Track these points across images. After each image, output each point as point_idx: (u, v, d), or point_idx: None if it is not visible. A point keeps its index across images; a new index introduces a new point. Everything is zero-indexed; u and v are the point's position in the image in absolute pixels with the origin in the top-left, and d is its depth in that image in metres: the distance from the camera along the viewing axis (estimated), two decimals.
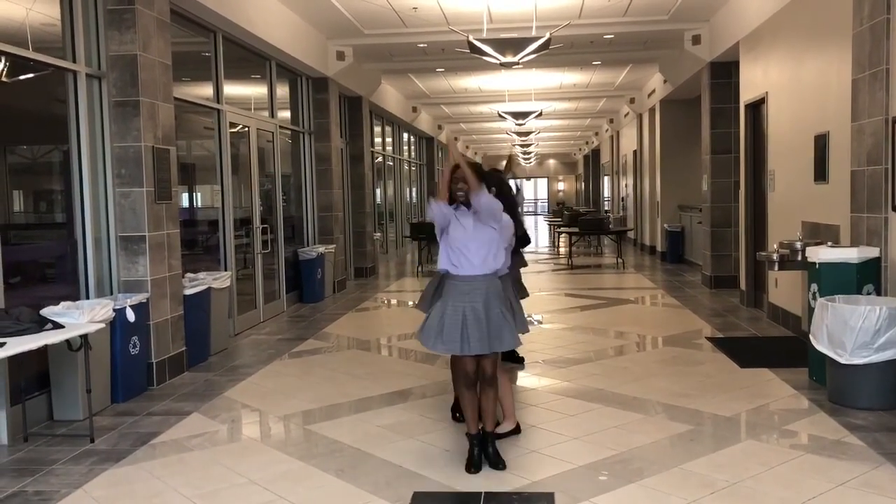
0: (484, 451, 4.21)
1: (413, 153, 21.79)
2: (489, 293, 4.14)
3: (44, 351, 5.01)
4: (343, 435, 4.80)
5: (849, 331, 4.96)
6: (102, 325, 5.12)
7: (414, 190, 22.17)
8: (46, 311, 4.96)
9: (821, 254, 5.70)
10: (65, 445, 4.72)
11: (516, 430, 4.71)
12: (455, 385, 4.39)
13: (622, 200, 21.32)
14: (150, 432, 4.96)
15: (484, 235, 4.16)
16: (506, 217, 4.27)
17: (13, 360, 4.64)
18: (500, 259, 4.22)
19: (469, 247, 4.14)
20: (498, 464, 4.16)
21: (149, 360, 6.07)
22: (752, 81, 9.14)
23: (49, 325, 4.70)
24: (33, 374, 5.19)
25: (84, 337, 4.80)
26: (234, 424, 5.27)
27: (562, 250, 18.29)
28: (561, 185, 45.27)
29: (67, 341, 4.79)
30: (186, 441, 4.80)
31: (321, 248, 10.92)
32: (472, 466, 4.14)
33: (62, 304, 5.16)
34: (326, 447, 4.65)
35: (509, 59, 8.86)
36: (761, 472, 4.04)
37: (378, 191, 16.85)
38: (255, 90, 10.05)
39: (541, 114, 17.10)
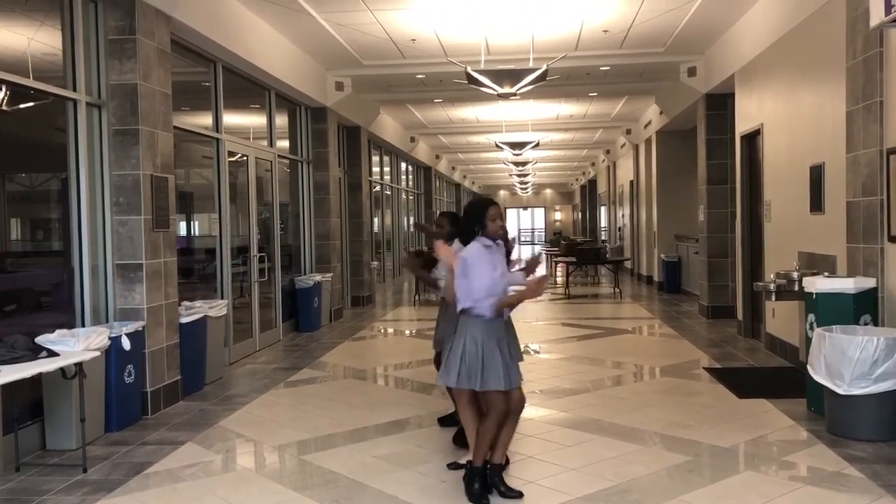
0: (492, 483, 4.18)
1: (411, 182, 21.88)
2: (506, 330, 4.28)
3: (38, 379, 4.98)
4: (338, 465, 4.76)
5: (847, 361, 4.95)
6: (97, 354, 5.10)
7: (412, 219, 22.22)
8: (41, 339, 4.94)
9: (818, 284, 5.71)
10: (57, 475, 4.67)
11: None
12: (492, 419, 4.16)
13: (619, 230, 21.37)
14: (143, 462, 4.91)
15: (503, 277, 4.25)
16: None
17: (7, 388, 4.61)
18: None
19: (497, 286, 4.19)
20: (511, 493, 4.17)
21: (143, 389, 6.03)
22: (748, 113, 9.22)
23: (44, 353, 4.68)
24: (27, 403, 5.14)
25: (79, 365, 4.77)
26: (229, 454, 5.22)
27: (559, 280, 18.28)
28: (558, 215, 45.41)
29: (62, 369, 4.75)
30: (180, 471, 4.75)
31: (318, 277, 10.91)
32: (479, 499, 4.09)
33: (57, 331, 5.14)
34: (322, 478, 4.60)
35: (507, 89, 8.93)
36: (760, 503, 4.02)
37: (376, 220, 16.89)
38: (254, 119, 10.11)
39: (538, 144, 17.20)
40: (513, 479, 4.44)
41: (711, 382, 6.92)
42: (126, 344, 5.70)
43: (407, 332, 11.20)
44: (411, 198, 22.10)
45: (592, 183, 30.62)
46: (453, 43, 9.79)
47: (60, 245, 6.18)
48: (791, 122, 7.74)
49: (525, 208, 46.00)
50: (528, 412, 5.98)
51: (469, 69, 8.85)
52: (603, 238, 25.84)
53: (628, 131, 17.73)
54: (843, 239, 6.20)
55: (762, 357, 8.09)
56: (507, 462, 4.56)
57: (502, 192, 42.36)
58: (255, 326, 9.25)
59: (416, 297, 14.71)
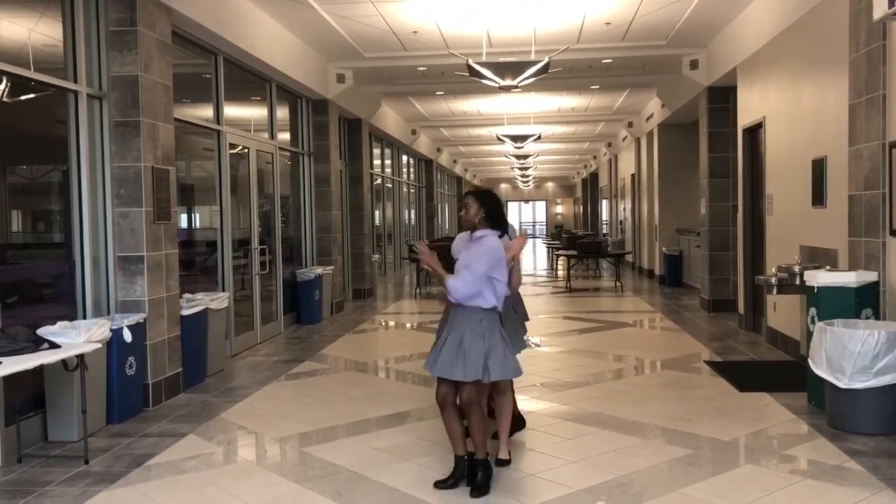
0: (471, 476, 4.18)
1: (412, 175, 21.86)
2: (467, 324, 4.13)
3: (39, 371, 4.99)
4: (340, 457, 4.77)
5: (848, 355, 4.95)
6: (99, 346, 5.10)
7: (413, 212, 22.21)
8: (43, 331, 4.94)
9: (819, 278, 5.70)
10: (59, 467, 4.68)
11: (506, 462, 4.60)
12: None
13: (620, 224, 21.36)
14: (145, 454, 4.92)
15: (468, 272, 4.12)
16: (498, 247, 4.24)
17: (8, 379, 4.62)
18: (485, 296, 4.14)
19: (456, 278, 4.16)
20: (475, 490, 4.11)
21: (145, 381, 6.04)
22: (750, 106, 9.19)
23: (45, 345, 4.68)
24: (29, 395, 5.15)
25: (80, 357, 4.77)
26: (230, 446, 5.23)
27: (560, 273, 18.29)
28: (559, 209, 45.38)
29: (63, 361, 4.76)
30: (182, 463, 4.76)
31: (319, 270, 10.91)
32: (441, 482, 4.21)
33: (59, 323, 5.14)
34: (323, 470, 4.61)
35: (508, 82, 8.91)
36: (761, 497, 4.01)
37: (377, 212, 16.88)
38: (255, 112, 10.10)
39: (539, 137, 17.19)
40: (514, 471, 4.45)
41: (712, 376, 6.92)
42: (127, 336, 5.70)
43: (408, 324, 11.20)
44: (412, 191, 22.08)
45: (594, 176, 30.58)
46: (455, 35, 9.76)
47: (62, 237, 6.18)
48: (793, 115, 7.72)
49: (527, 201, 45.97)
50: (530, 405, 6.00)
51: (470, 61, 8.83)
52: (604, 231, 25.82)
53: (630, 124, 17.71)
54: (844, 233, 6.19)
55: (763, 351, 8.09)
56: (510, 457, 4.56)
57: (504, 186, 42.32)
58: (257, 319, 9.26)
59: (417, 290, 14.71)
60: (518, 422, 5.21)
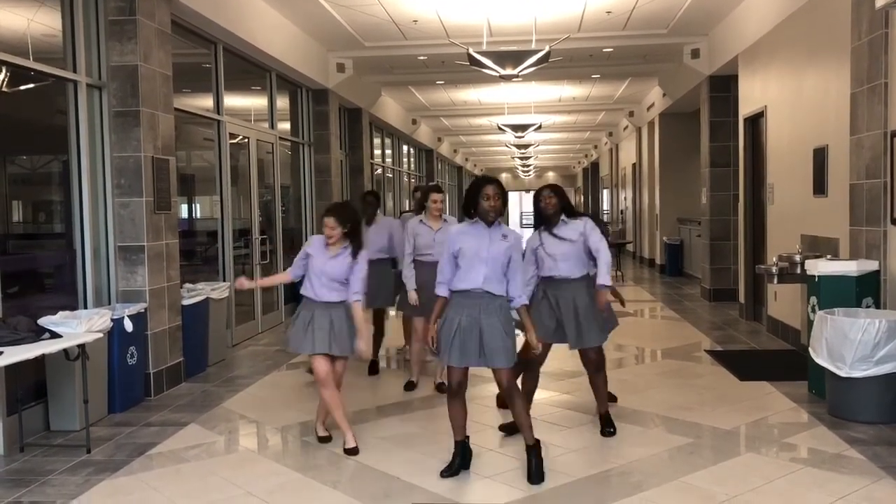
0: (529, 463, 4.20)
1: (413, 165, 21.83)
2: (491, 311, 4.13)
3: (41, 361, 4.99)
4: (341, 446, 4.77)
5: (848, 344, 4.95)
6: (100, 335, 5.11)
7: (413, 202, 22.17)
8: (44, 321, 4.95)
9: (820, 267, 5.70)
10: (61, 456, 4.70)
11: (353, 451, 4.64)
12: None
13: (621, 213, 21.35)
14: (146, 443, 4.93)
15: (494, 254, 4.14)
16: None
17: (10, 369, 4.63)
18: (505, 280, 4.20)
19: (484, 262, 4.12)
20: (536, 477, 4.13)
21: (146, 371, 6.05)
22: (751, 95, 9.17)
23: (47, 335, 4.69)
24: (30, 384, 5.17)
25: (81, 347, 4.78)
26: (232, 435, 5.25)
27: None
28: None
29: (65, 351, 4.77)
30: (183, 452, 4.78)
31: None
32: (446, 471, 4.24)
33: (60, 313, 5.15)
34: (324, 459, 4.63)
35: (509, 71, 8.88)
36: (761, 485, 4.03)
37: None
38: (255, 101, 10.08)
39: (540, 127, 17.13)
40: (514, 460, 4.46)
41: (713, 365, 6.93)
42: (128, 326, 5.71)
43: None
44: (413, 181, 22.05)
45: (595, 166, 30.54)
46: (455, 24, 9.72)
47: (62, 227, 6.18)
48: (795, 104, 7.70)
49: (527, 191, 45.93)
50: None
51: (471, 51, 8.79)
52: (605, 221, 25.81)
53: (631, 114, 17.66)
54: (845, 222, 6.18)
55: (764, 340, 8.10)
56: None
57: (504, 175, 42.26)
58: (258, 308, 9.27)
59: None
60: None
